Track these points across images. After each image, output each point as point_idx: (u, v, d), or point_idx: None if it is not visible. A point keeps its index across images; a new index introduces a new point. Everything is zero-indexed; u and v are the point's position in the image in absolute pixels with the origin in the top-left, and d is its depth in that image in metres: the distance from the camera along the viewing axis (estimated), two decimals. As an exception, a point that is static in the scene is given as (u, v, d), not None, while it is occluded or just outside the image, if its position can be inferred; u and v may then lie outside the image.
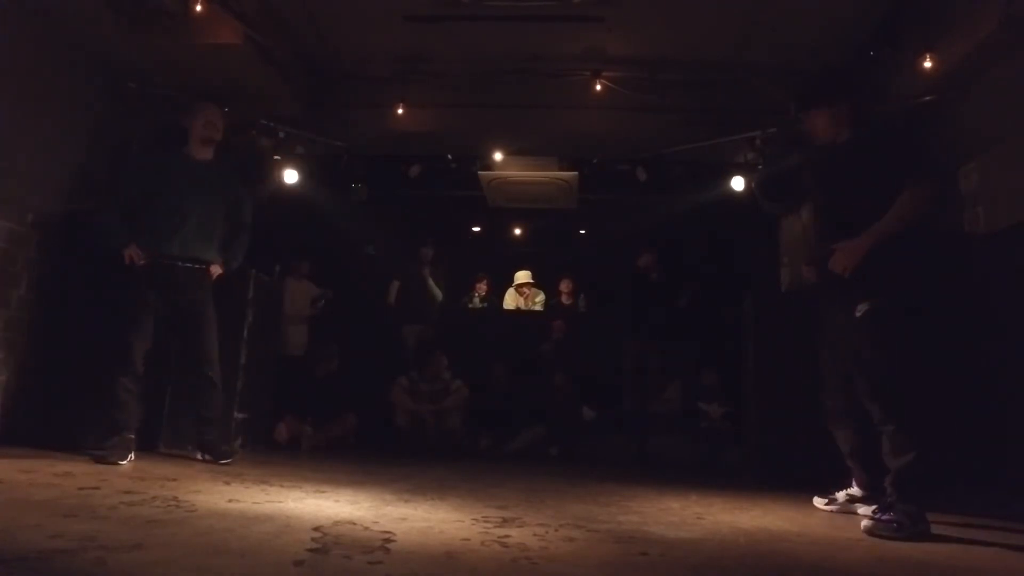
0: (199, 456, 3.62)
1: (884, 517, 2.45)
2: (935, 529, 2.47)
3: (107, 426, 3.33)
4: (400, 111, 5.49)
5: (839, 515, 2.91)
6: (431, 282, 6.76)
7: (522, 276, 7.92)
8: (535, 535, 2.07)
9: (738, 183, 5.72)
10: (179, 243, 3.50)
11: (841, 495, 3.00)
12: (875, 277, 2.61)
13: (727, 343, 5.48)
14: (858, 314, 2.65)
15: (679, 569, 1.81)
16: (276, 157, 5.73)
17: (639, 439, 5.80)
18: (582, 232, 9.38)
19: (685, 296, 6.73)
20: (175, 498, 2.36)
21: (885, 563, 2.04)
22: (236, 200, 3.77)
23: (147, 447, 3.97)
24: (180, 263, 3.51)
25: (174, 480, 2.84)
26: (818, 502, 3.05)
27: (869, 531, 2.44)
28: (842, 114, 2.90)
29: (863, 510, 2.75)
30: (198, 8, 4.16)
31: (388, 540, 1.88)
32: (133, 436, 3.37)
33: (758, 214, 5.68)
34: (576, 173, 6.43)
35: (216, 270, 3.63)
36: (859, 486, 2.95)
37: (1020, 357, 3.54)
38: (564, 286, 7.77)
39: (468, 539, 1.97)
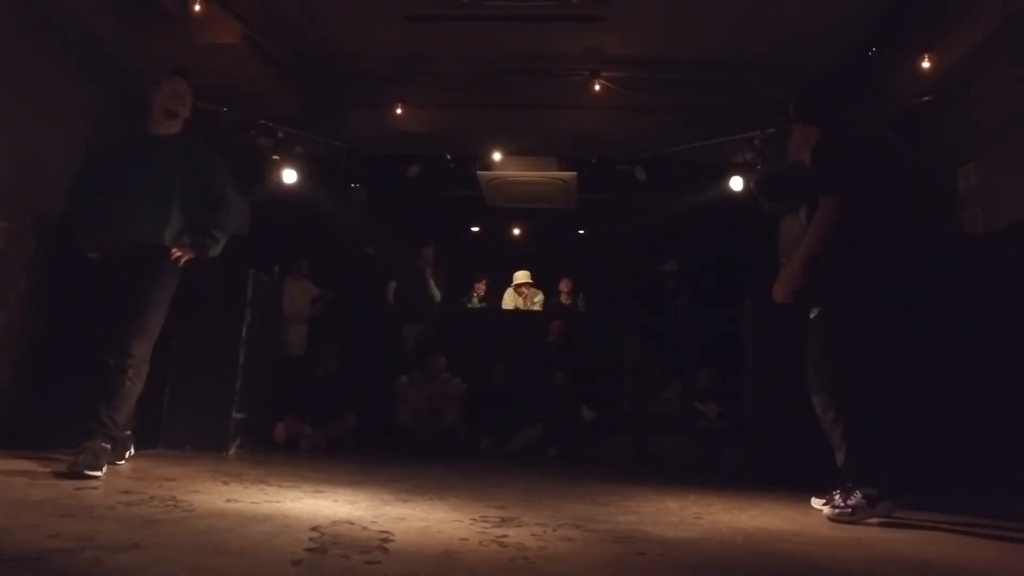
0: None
1: (839, 503, 2.65)
2: (934, 528, 2.47)
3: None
4: (399, 111, 5.50)
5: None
6: (432, 282, 6.76)
7: (521, 276, 7.91)
8: (533, 535, 2.07)
9: (737, 183, 5.72)
10: (130, 228, 3.09)
11: (839, 496, 3.00)
12: (825, 283, 2.77)
13: (726, 343, 5.47)
14: (811, 316, 2.89)
15: (677, 569, 1.81)
16: (275, 157, 5.74)
17: (638, 439, 5.79)
18: (581, 232, 9.39)
19: (684, 296, 6.74)
20: (173, 498, 2.36)
21: (883, 563, 2.04)
22: (206, 173, 3.25)
23: (146, 446, 3.98)
24: (130, 250, 3.07)
25: (172, 480, 2.84)
26: (816, 503, 3.05)
27: (828, 518, 2.64)
28: (809, 136, 3.00)
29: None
30: (197, 8, 4.17)
31: (386, 540, 1.88)
32: (128, 433, 3.26)
33: (757, 214, 5.70)
34: (575, 173, 6.44)
35: (178, 255, 3.10)
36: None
37: (1019, 357, 3.54)
38: (563, 286, 7.77)
39: (466, 539, 1.97)
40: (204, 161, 3.28)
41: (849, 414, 2.71)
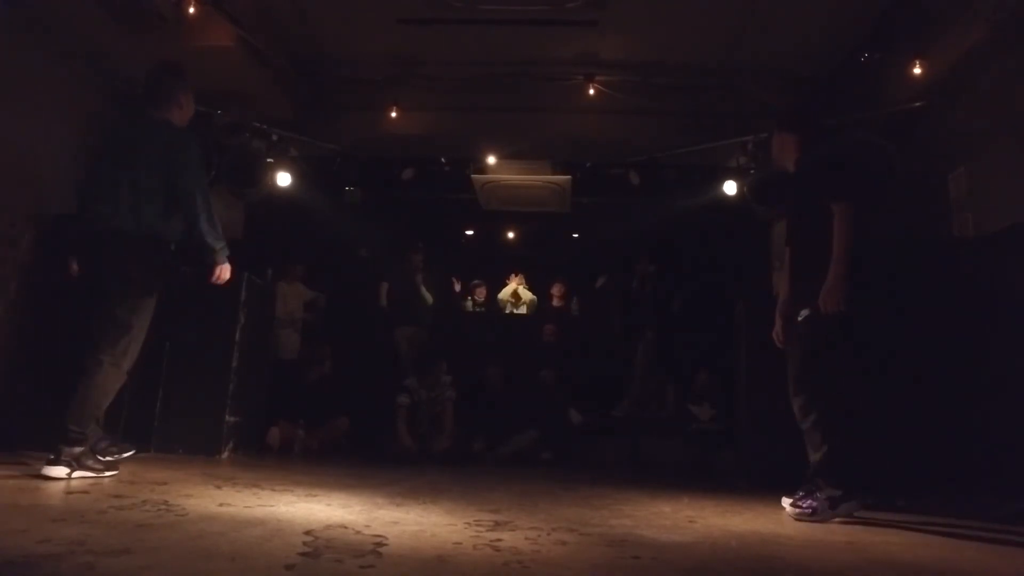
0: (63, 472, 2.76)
1: (802, 503, 2.75)
2: (929, 531, 2.49)
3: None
4: (393, 114, 5.50)
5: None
6: (423, 288, 6.76)
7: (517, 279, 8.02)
8: (527, 539, 2.07)
9: (730, 187, 5.74)
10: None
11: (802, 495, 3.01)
12: (816, 286, 2.81)
13: (719, 346, 5.49)
14: (799, 318, 2.91)
15: (671, 572, 1.81)
16: (269, 160, 5.72)
17: (632, 442, 5.80)
18: (575, 236, 9.41)
19: (677, 300, 6.76)
20: (165, 502, 2.34)
21: (876, 566, 2.05)
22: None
23: (138, 450, 3.95)
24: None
25: (164, 484, 2.82)
26: (785, 502, 3.00)
27: (793, 517, 2.74)
28: (787, 143, 3.12)
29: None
30: (191, 10, 4.16)
31: (380, 544, 1.87)
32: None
33: (750, 218, 5.72)
34: (569, 177, 6.46)
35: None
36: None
37: (1009, 360, 3.56)
38: (556, 290, 7.80)
39: (460, 543, 1.96)
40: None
41: (830, 416, 2.78)
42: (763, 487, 3.75)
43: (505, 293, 7.96)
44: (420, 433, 5.27)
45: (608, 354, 6.75)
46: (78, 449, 2.81)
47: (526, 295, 7.97)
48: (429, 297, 6.82)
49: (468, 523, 2.28)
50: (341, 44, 5.21)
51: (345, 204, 6.72)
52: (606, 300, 7.24)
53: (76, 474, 2.77)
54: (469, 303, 8.00)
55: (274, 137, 5.62)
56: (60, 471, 2.72)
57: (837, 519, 2.67)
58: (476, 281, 8.09)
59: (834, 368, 2.84)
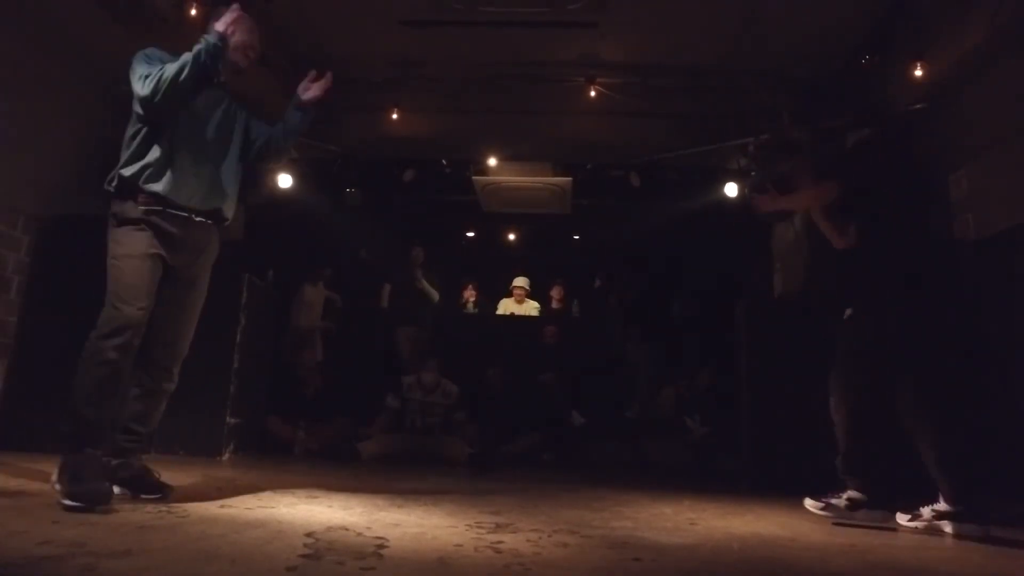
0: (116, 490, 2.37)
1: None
2: (930, 533, 2.49)
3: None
4: (395, 116, 5.50)
5: (830, 520, 2.90)
6: (425, 284, 6.75)
7: (520, 281, 7.98)
8: (528, 541, 2.07)
9: (731, 189, 5.74)
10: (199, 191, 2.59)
11: (926, 511, 2.74)
12: (855, 285, 2.90)
13: (720, 349, 5.49)
14: (844, 317, 2.92)
15: (672, 574, 1.81)
16: (270, 161, 5.71)
17: (633, 444, 5.80)
18: (576, 237, 9.42)
19: (678, 303, 6.77)
20: (166, 503, 2.34)
21: (877, 568, 2.04)
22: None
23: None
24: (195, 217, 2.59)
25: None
26: (901, 518, 2.81)
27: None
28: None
29: (949, 528, 2.63)
30: (192, 12, 4.16)
31: (381, 546, 1.87)
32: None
33: (751, 220, 5.72)
34: (569, 178, 6.47)
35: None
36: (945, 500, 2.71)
37: (1010, 363, 3.56)
38: (555, 292, 7.80)
39: (461, 545, 1.96)
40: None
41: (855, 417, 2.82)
42: (764, 490, 3.75)
43: (504, 308, 7.91)
44: (413, 430, 5.25)
45: (609, 356, 6.75)
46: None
47: (529, 306, 7.92)
48: (435, 293, 6.80)
49: (469, 525, 2.28)
50: (342, 45, 5.21)
51: (346, 206, 6.73)
52: (605, 301, 7.25)
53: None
54: (469, 304, 8.00)
55: (275, 138, 5.61)
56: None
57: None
58: (465, 283, 8.03)
59: (862, 370, 2.83)
